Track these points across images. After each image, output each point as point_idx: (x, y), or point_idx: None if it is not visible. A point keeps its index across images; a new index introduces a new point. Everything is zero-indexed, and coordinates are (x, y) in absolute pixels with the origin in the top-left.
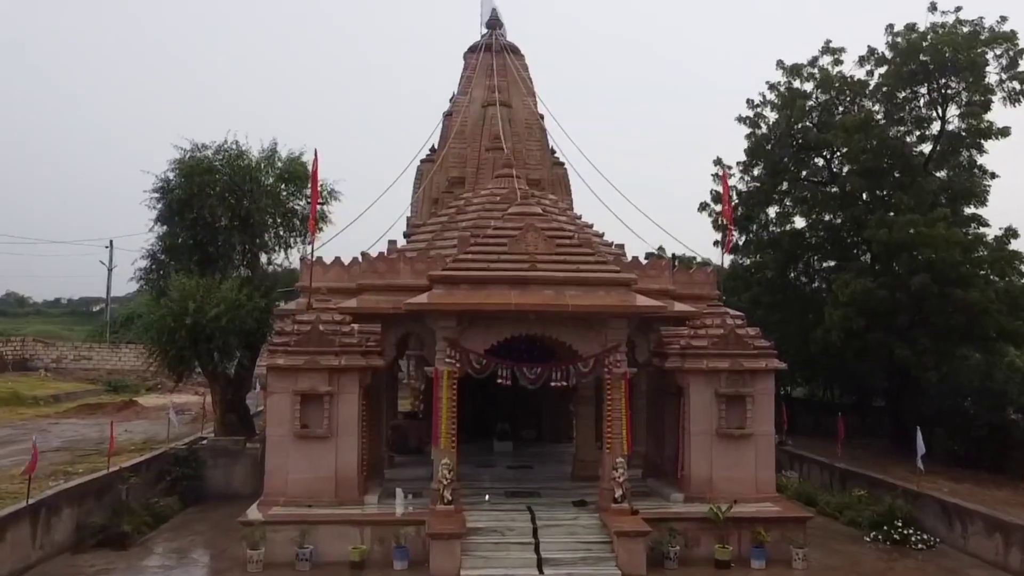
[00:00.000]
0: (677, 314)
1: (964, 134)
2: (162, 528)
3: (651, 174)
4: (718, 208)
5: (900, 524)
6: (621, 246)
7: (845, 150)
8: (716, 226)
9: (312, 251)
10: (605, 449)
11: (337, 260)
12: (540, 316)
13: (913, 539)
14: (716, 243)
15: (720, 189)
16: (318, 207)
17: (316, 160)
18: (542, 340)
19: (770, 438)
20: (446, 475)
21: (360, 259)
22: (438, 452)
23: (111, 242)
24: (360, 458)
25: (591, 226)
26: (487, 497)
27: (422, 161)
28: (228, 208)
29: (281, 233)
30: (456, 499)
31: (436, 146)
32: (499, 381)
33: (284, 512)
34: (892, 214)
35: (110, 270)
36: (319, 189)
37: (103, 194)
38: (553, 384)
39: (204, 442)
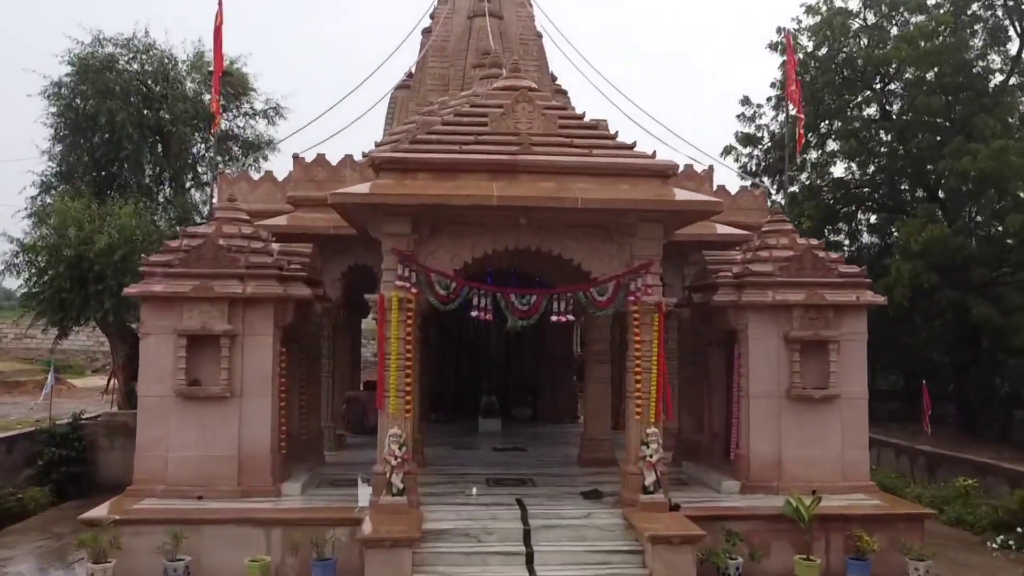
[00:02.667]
0: (724, 238)
1: None
2: (7, 530)
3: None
4: (746, 151)
5: None
6: None
7: (905, 75)
8: (745, 172)
9: (216, 138)
10: (633, 415)
11: (268, 175)
12: (535, 219)
13: None
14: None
15: (748, 130)
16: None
17: (220, 9)
18: (542, 260)
19: (862, 403)
20: (395, 452)
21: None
22: (384, 419)
23: None
24: (278, 430)
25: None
26: (474, 491)
27: (396, 88)
28: (135, 115)
29: (218, 160)
30: (411, 488)
31: (413, 71)
32: (474, 314)
33: (150, 507)
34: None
35: None
36: (225, 67)
37: None
38: (554, 318)
39: (99, 418)
